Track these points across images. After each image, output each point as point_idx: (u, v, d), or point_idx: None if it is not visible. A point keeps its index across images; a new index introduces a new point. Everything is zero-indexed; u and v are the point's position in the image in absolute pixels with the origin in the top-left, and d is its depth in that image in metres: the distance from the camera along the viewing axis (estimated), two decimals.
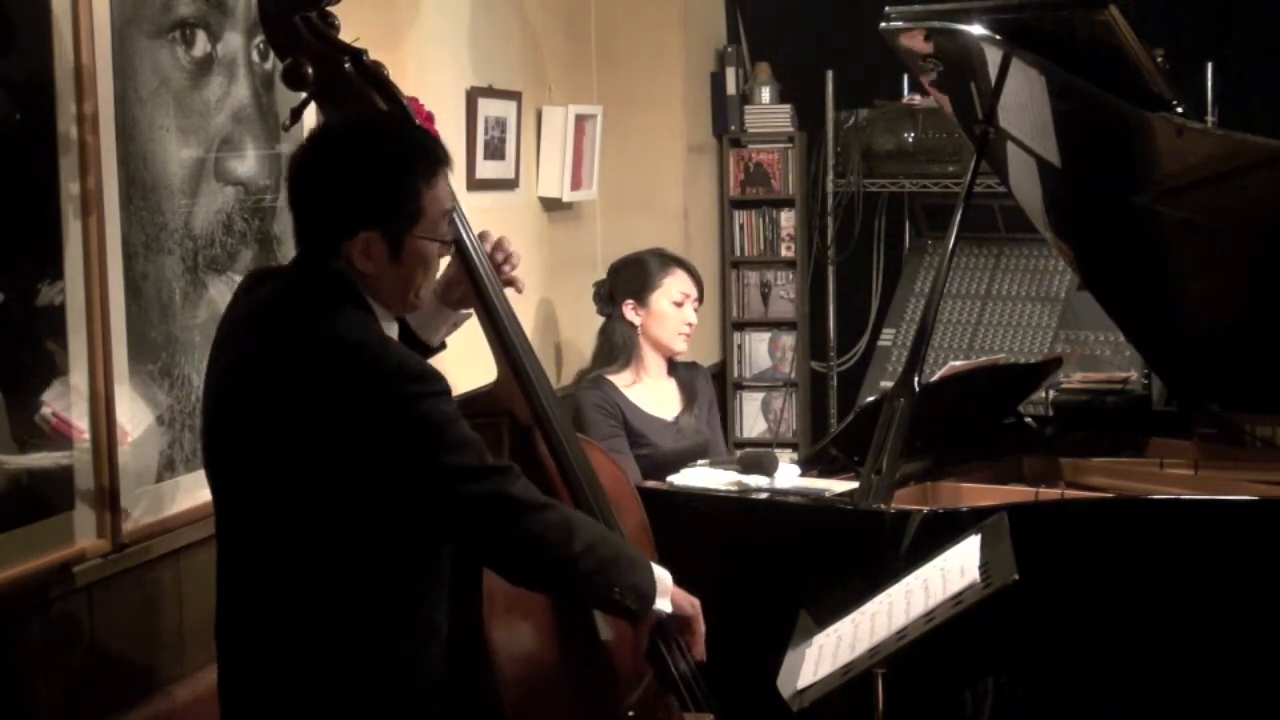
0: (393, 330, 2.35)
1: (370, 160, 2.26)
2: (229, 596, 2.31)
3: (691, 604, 2.54)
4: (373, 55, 2.50)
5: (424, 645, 2.30)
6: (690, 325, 4.15)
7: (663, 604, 2.46)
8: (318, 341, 2.19)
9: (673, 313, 4.12)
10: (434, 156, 2.30)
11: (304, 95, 2.46)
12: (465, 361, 2.86)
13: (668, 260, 4.20)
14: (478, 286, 2.59)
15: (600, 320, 4.30)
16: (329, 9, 2.45)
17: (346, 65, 2.44)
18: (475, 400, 2.66)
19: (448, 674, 2.36)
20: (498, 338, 2.63)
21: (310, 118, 3.17)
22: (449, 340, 2.71)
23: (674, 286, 4.13)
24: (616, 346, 4.13)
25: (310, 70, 2.39)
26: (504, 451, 2.61)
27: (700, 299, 4.21)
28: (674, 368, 4.21)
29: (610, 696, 2.63)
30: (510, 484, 2.25)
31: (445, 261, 2.53)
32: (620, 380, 4.09)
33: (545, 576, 2.37)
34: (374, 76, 2.46)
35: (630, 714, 2.66)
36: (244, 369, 2.24)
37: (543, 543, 2.29)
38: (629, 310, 4.13)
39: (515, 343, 2.63)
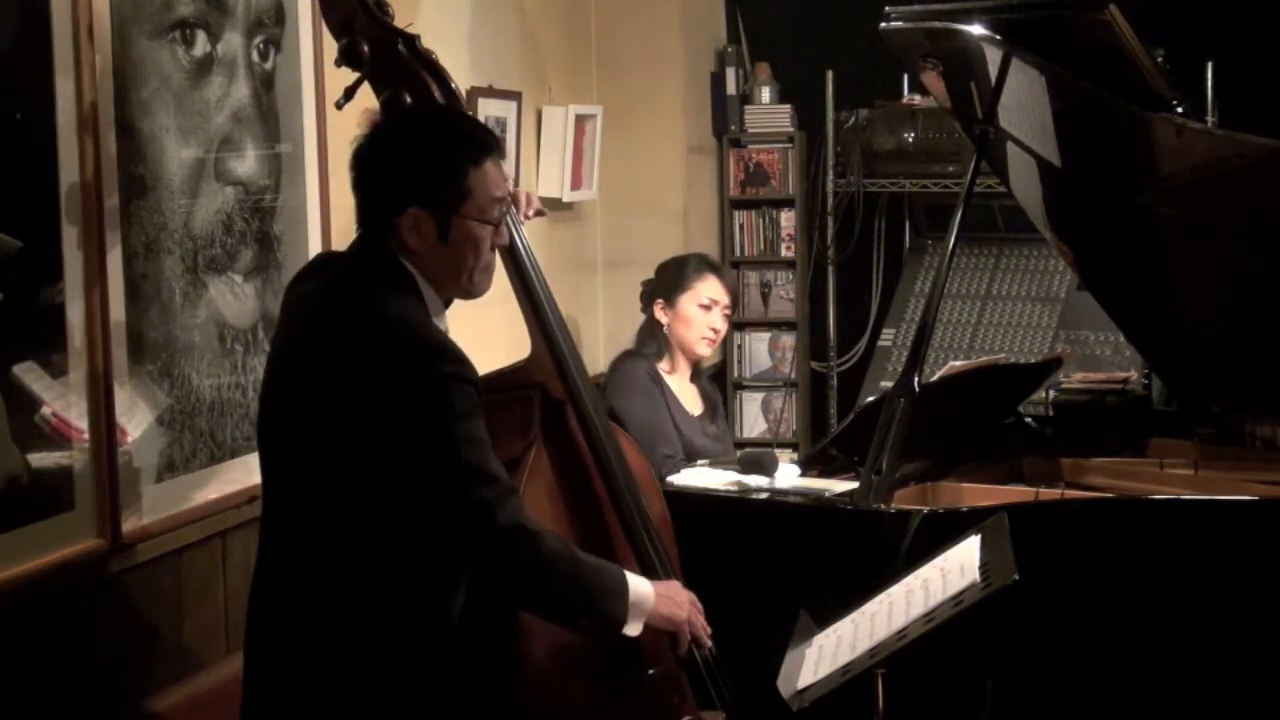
0: (443, 322, 2.40)
1: (419, 141, 2.36)
2: (267, 570, 2.38)
3: (667, 619, 2.52)
4: None
5: (445, 607, 2.36)
6: (715, 331, 4.17)
7: (632, 629, 2.47)
8: (364, 316, 2.28)
9: (698, 316, 4.15)
10: (482, 142, 2.40)
11: (358, 75, 2.54)
12: (502, 338, 2.89)
13: (704, 265, 4.24)
14: (517, 263, 2.63)
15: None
16: None
17: (400, 47, 2.54)
18: (508, 374, 2.71)
19: (470, 630, 2.41)
20: (535, 314, 2.69)
21: (309, 117, 3.18)
22: (487, 316, 2.77)
23: (703, 290, 4.16)
24: (650, 344, 4.18)
25: (366, 49, 2.49)
26: (535, 424, 2.65)
27: (732, 308, 4.23)
28: (696, 376, 4.24)
29: (634, 658, 2.64)
30: (500, 501, 2.27)
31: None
32: (660, 366, 4.14)
33: (510, 598, 2.45)
34: (426, 60, 2.56)
35: (651, 672, 2.67)
36: (299, 344, 2.34)
37: (512, 573, 2.36)
38: (658, 310, 4.18)
39: (552, 319, 2.68)
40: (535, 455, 2.64)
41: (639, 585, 2.48)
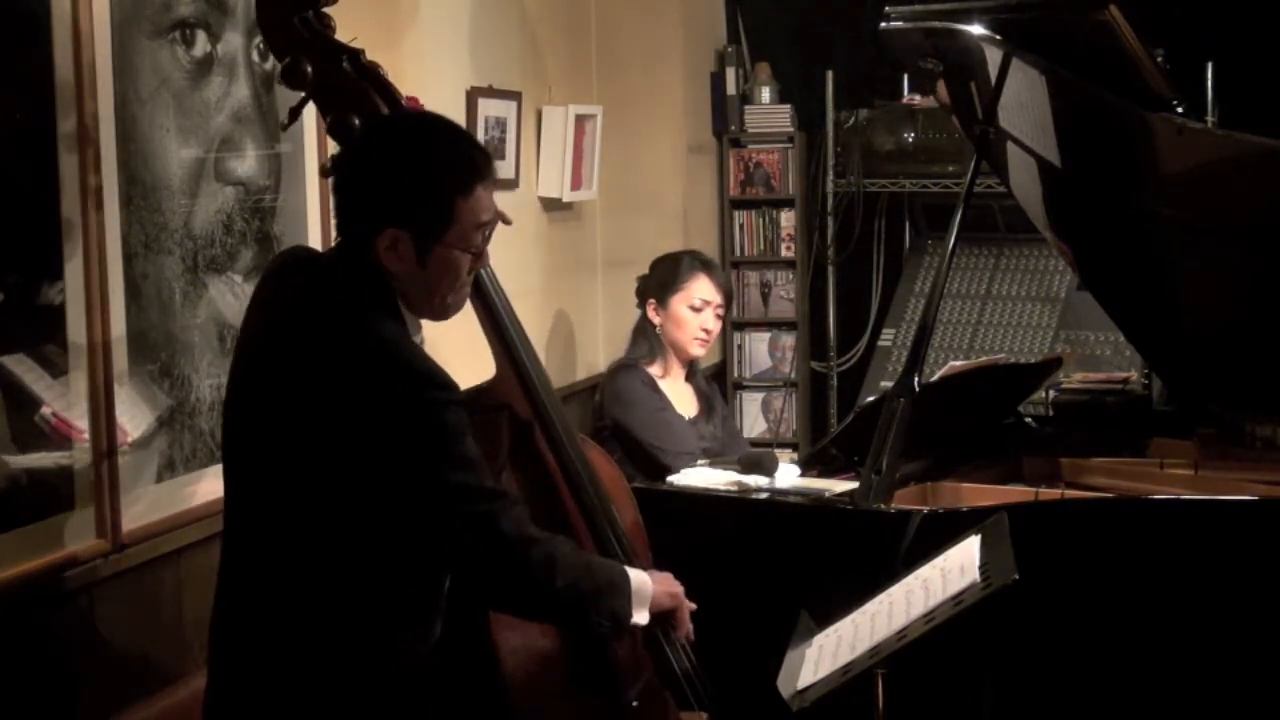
0: (419, 338, 2.35)
1: (410, 159, 2.26)
2: (230, 588, 2.32)
3: (671, 595, 2.54)
4: (372, 55, 2.50)
5: (421, 638, 2.31)
6: (707, 331, 4.16)
7: (639, 618, 2.46)
8: (348, 335, 2.21)
9: (690, 317, 4.14)
10: (475, 167, 2.29)
11: (302, 94, 2.46)
12: (464, 357, 2.86)
13: (696, 264, 4.22)
14: (477, 283, 2.59)
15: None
16: (325, 9, 2.46)
17: (344, 64, 2.44)
18: (474, 395, 2.66)
19: (448, 667, 2.36)
20: (497, 333, 2.63)
21: (309, 117, 3.17)
22: (448, 337, 2.71)
23: (695, 291, 4.15)
24: (644, 344, 4.18)
25: (309, 69, 2.40)
26: (503, 447, 2.61)
27: (725, 306, 4.22)
28: (692, 374, 4.24)
29: (613, 687, 2.64)
30: (503, 512, 2.25)
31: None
32: (652, 371, 4.13)
33: (522, 608, 2.40)
34: (371, 75, 2.47)
35: (634, 704, 2.67)
36: (273, 355, 2.26)
37: (524, 579, 2.30)
38: (651, 311, 4.18)
39: (515, 338, 2.63)
40: (505, 482, 2.58)
41: (636, 574, 2.48)
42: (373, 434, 2.17)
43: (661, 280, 4.20)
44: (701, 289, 4.16)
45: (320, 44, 2.43)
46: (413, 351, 2.24)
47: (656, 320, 4.16)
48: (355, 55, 2.46)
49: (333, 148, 2.48)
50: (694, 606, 2.61)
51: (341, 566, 2.22)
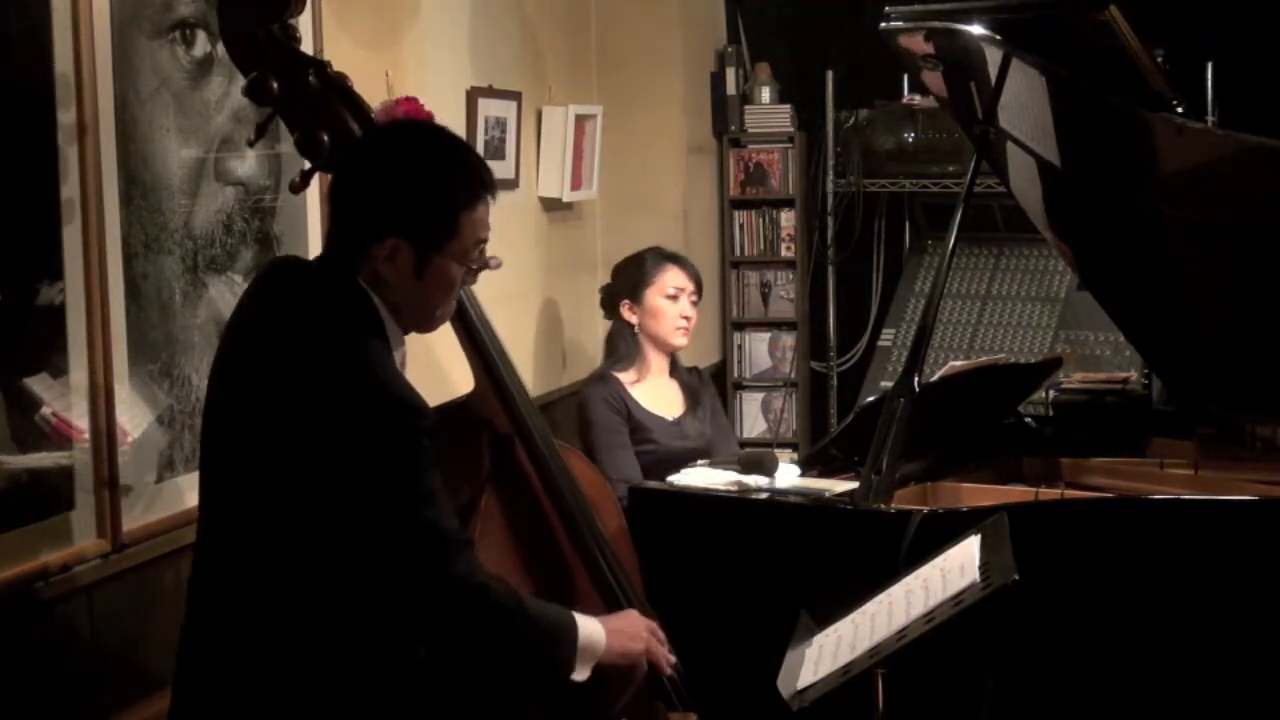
0: (401, 352, 2.32)
1: (417, 168, 2.25)
2: (202, 601, 2.28)
3: (624, 656, 2.46)
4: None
5: (406, 653, 2.30)
6: (687, 319, 4.14)
7: (580, 675, 2.40)
8: (327, 352, 2.18)
9: (667, 307, 4.12)
10: (481, 181, 2.30)
11: (269, 110, 2.41)
12: (438, 372, 2.85)
13: (661, 257, 4.20)
14: None
15: (607, 324, 4.30)
16: (290, 21, 2.42)
17: (310, 78, 2.40)
18: (453, 412, 2.63)
19: (435, 682, 2.36)
20: (474, 347, 2.60)
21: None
22: (422, 352, 2.68)
23: (667, 281, 4.13)
24: (620, 347, 4.15)
25: (275, 84, 2.36)
26: (484, 467, 2.60)
27: (698, 293, 4.20)
28: (675, 369, 4.21)
29: (601, 700, 2.63)
30: (455, 556, 2.22)
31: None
32: (625, 378, 4.11)
33: (463, 649, 2.39)
34: (339, 88, 2.43)
35: None
36: (252, 369, 2.23)
37: (465, 623, 2.29)
38: (626, 310, 4.15)
39: (492, 352, 2.60)
40: (487, 500, 2.59)
41: (589, 628, 2.41)
42: (341, 454, 2.15)
43: (631, 279, 4.17)
44: (673, 278, 4.14)
45: (286, 58, 2.39)
46: (390, 374, 2.21)
47: (633, 319, 4.14)
48: (322, 68, 2.42)
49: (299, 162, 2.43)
50: (664, 657, 2.56)
51: (320, 582, 2.20)
